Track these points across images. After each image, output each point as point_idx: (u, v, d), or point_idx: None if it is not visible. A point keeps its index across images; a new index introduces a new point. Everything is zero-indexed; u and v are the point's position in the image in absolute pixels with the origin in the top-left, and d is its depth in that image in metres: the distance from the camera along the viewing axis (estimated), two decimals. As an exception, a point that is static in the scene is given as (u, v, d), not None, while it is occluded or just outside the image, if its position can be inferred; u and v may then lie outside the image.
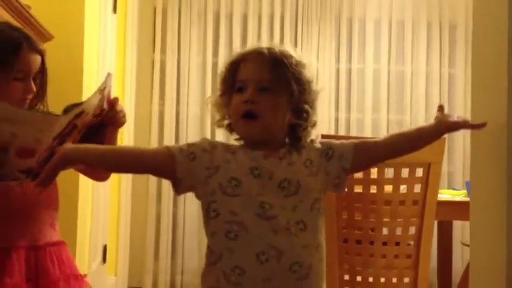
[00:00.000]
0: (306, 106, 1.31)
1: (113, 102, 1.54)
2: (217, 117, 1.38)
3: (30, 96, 1.56)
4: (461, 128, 1.35)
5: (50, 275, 1.54)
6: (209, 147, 1.28)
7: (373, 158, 1.40)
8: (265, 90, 1.27)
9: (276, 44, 1.36)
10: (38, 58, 1.57)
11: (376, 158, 1.41)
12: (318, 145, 1.34)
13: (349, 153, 1.33)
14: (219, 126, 1.38)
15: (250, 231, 1.22)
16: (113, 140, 1.60)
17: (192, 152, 1.26)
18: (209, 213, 1.27)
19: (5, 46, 1.49)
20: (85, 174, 1.74)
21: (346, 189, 1.39)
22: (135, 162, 1.30)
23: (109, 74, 1.54)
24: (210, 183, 1.26)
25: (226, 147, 1.30)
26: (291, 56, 1.31)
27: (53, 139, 1.40)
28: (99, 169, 1.54)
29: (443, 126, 1.34)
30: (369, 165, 1.59)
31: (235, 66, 1.33)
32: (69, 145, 1.32)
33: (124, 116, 1.60)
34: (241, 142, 1.34)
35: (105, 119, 1.55)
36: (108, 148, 1.40)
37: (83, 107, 1.43)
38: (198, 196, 1.30)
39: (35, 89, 1.56)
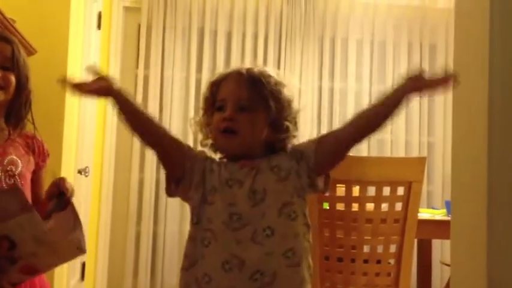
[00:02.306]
0: (286, 122, 1.36)
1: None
2: (201, 137, 1.45)
3: (4, 84, 1.54)
4: (427, 86, 1.29)
5: None
6: (201, 154, 1.38)
7: (338, 146, 1.35)
8: (243, 108, 1.34)
9: (258, 65, 1.43)
10: (7, 47, 1.55)
11: (342, 143, 1.35)
12: (288, 150, 1.38)
13: (310, 149, 1.34)
14: (203, 146, 1.44)
15: (218, 240, 1.28)
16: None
17: (202, 154, 1.38)
18: (193, 219, 1.33)
19: None
20: None
21: (327, 191, 1.39)
22: (158, 133, 1.39)
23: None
24: (199, 190, 1.33)
25: (217, 161, 1.38)
26: (270, 76, 1.38)
27: None
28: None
29: (407, 85, 1.31)
30: (336, 154, 1.36)
31: (216, 86, 1.40)
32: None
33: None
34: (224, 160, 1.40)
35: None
36: (143, 108, 1.43)
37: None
38: (187, 199, 1.36)
39: (8, 75, 1.54)
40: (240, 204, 1.29)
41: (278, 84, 1.38)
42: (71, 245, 1.47)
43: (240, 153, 1.35)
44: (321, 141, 1.35)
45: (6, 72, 1.56)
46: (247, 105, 1.34)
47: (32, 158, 1.67)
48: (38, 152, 1.70)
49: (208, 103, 1.41)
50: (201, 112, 1.44)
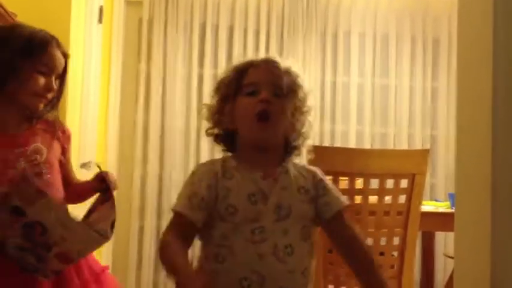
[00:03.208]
0: (303, 117, 1.35)
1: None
2: (209, 125, 1.37)
3: (49, 96, 1.58)
4: None
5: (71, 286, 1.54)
6: (212, 180, 1.27)
7: (334, 234, 1.36)
8: (277, 95, 1.30)
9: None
10: (63, 60, 1.59)
11: (334, 236, 1.37)
12: (317, 177, 1.34)
13: (333, 209, 1.32)
14: (208, 135, 1.37)
15: (237, 256, 1.22)
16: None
17: (202, 199, 1.26)
18: (205, 237, 1.27)
19: (35, 38, 1.51)
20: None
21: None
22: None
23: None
24: (212, 212, 1.26)
25: (224, 171, 1.29)
26: (295, 69, 1.37)
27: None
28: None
29: None
30: (331, 236, 1.39)
31: (242, 71, 1.34)
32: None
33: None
34: (227, 153, 1.34)
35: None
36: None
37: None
38: None
39: (55, 88, 1.58)
40: (263, 219, 1.25)
41: (300, 77, 1.38)
42: (94, 232, 1.52)
43: (266, 144, 1.31)
44: (342, 213, 1.33)
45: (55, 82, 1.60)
46: (280, 93, 1.31)
47: (57, 143, 1.68)
48: (63, 136, 1.72)
49: (231, 88, 1.33)
50: (215, 97, 1.36)
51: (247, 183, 1.27)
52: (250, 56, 1.41)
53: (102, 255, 3.90)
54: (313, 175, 1.35)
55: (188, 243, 1.26)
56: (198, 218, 1.25)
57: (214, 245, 1.25)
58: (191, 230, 1.26)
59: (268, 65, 1.34)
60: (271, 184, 1.28)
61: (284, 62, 1.36)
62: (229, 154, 1.35)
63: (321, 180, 1.35)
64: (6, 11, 2.04)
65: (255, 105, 1.28)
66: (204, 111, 1.37)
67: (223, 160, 1.32)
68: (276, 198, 1.27)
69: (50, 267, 1.46)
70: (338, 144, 4.29)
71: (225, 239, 1.24)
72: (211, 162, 1.35)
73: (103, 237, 1.52)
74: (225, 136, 1.36)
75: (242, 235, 1.23)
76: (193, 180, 1.29)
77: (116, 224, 4.52)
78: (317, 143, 4.24)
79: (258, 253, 1.22)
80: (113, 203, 1.57)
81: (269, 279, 1.21)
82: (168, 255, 1.20)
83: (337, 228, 1.34)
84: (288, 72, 1.34)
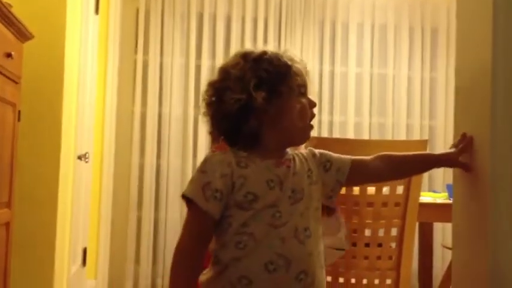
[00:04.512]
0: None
1: None
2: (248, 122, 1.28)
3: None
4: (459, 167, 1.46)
5: None
6: (227, 170, 1.25)
7: (366, 176, 1.46)
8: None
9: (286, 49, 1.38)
10: None
11: (370, 176, 1.46)
12: (316, 155, 1.37)
13: (346, 168, 1.37)
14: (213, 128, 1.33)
15: (259, 241, 1.23)
16: None
17: (216, 190, 1.23)
18: (222, 226, 1.26)
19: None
20: None
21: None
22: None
23: None
24: (227, 201, 1.25)
25: (237, 160, 1.27)
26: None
27: None
28: None
29: (451, 161, 1.46)
30: (360, 183, 1.61)
31: (285, 73, 1.29)
32: None
33: None
34: (230, 149, 1.30)
35: None
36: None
37: None
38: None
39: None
40: (281, 204, 1.25)
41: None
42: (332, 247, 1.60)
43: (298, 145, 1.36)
44: (354, 165, 1.38)
45: None
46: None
47: None
48: None
49: (282, 84, 1.28)
50: (259, 91, 1.25)
51: (263, 170, 1.27)
52: (248, 46, 1.40)
53: (100, 247, 3.90)
54: (312, 154, 1.37)
55: (208, 240, 1.27)
56: (215, 209, 1.24)
57: (234, 233, 1.24)
58: (209, 224, 1.25)
59: (306, 69, 1.35)
60: (285, 170, 1.29)
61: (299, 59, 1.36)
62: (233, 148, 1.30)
63: (320, 154, 1.38)
64: (1, 2, 2.01)
65: (311, 112, 1.33)
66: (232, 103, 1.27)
67: (233, 151, 1.29)
68: (290, 183, 1.28)
69: None
70: (336, 135, 4.28)
71: (246, 226, 1.24)
72: (223, 152, 1.29)
73: (341, 251, 1.56)
74: (233, 130, 1.30)
75: (263, 220, 1.23)
76: (206, 168, 1.26)
77: (114, 215, 4.50)
78: (315, 134, 4.23)
79: (280, 237, 1.23)
80: (338, 216, 1.62)
81: (294, 261, 1.23)
82: (180, 274, 1.24)
83: (362, 173, 1.41)
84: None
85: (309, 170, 1.34)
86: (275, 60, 1.29)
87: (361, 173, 1.41)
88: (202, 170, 1.26)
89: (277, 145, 1.32)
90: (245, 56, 1.31)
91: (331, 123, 4.38)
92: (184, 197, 1.27)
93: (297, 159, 1.33)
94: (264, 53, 1.31)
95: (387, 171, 1.43)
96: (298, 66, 1.32)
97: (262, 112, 1.26)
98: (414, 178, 2.17)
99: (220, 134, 1.32)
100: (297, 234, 1.25)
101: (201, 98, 1.35)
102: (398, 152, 1.46)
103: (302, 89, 1.31)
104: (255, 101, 1.25)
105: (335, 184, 1.37)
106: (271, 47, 1.36)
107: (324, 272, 1.31)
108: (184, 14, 4.27)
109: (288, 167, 1.30)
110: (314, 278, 1.26)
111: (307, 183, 1.31)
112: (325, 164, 1.36)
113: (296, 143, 1.35)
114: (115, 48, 4.04)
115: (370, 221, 2.17)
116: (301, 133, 1.33)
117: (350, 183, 1.45)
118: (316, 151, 1.39)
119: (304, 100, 1.31)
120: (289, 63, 1.31)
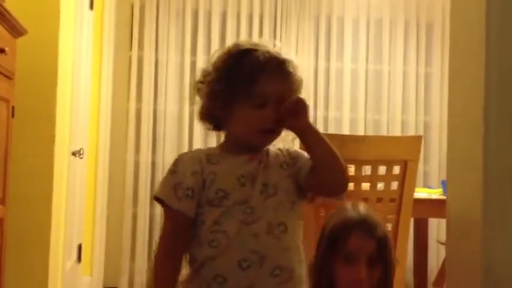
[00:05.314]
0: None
1: None
2: (203, 126, 1.34)
3: None
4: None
5: None
6: (197, 167, 1.25)
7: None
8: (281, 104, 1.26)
9: (280, 47, 1.35)
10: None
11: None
12: (288, 148, 1.35)
13: (308, 165, 1.30)
14: (208, 128, 1.35)
15: (232, 239, 1.22)
16: None
17: (188, 188, 1.24)
18: (196, 224, 1.26)
19: None
20: None
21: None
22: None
23: None
24: (200, 198, 1.25)
25: (208, 157, 1.28)
26: (297, 66, 1.33)
27: None
28: None
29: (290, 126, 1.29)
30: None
31: (251, 77, 1.25)
32: None
33: None
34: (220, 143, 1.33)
35: None
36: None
37: None
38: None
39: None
40: (253, 200, 1.24)
41: (299, 67, 1.35)
42: None
43: (261, 147, 1.31)
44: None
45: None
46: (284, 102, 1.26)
47: None
48: None
49: (237, 91, 1.25)
50: (212, 84, 1.28)
51: (234, 166, 1.27)
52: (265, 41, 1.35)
53: (95, 243, 3.89)
54: (287, 149, 1.36)
55: (187, 238, 1.27)
56: (188, 208, 1.24)
57: (207, 231, 1.24)
58: (185, 222, 1.26)
59: (276, 73, 1.28)
60: (257, 165, 1.27)
61: (292, 61, 1.32)
62: (213, 146, 1.35)
63: (293, 150, 1.36)
64: (-7, -3, 2.00)
65: (263, 121, 1.26)
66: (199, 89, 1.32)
67: (207, 149, 1.33)
68: (263, 178, 1.26)
69: None
70: (331, 130, 4.28)
71: (218, 224, 1.23)
72: (195, 150, 1.34)
73: None
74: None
75: (234, 217, 1.23)
76: (177, 168, 1.27)
77: (110, 211, 4.49)
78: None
79: (253, 233, 1.22)
80: None
81: (268, 257, 1.21)
82: (162, 274, 1.24)
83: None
84: (294, 75, 1.31)
85: (284, 162, 1.31)
86: (249, 63, 1.26)
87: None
88: (173, 170, 1.27)
89: (240, 143, 1.30)
90: (230, 48, 1.32)
91: (326, 119, 4.37)
92: (156, 198, 1.28)
93: (272, 153, 1.31)
94: (247, 51, 1.28)
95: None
96: (285, 67, 1.29)
97: (221, 107, 1.27)
98: (409, 174, 2.17)
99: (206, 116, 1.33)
100: (270, 230, 1.23)
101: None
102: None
103: (256, 100, 1.25)
104: (216, 93, 1.27)
105: (298, 186, 1.30)
106: (271, 44, 1.33)
107: (303, 266, 1.28)
108: (180, 10, 4.25)
109: (261, 161, 1.28)
110: (292, 273, 1.24)
111: (283, 176, 1.29)
112: (294, 156, 1.33)
113: (253, 146, 1.30)
114: (110, 44, 4.02)
115: (364, 217, 2.17)
116: (252, 138, 1.28)
117: (307, 187, 1.32)
118: (287, 148, 1.36)
119: (263, 111, 1.25)
120: (264, 67, 1.26)
